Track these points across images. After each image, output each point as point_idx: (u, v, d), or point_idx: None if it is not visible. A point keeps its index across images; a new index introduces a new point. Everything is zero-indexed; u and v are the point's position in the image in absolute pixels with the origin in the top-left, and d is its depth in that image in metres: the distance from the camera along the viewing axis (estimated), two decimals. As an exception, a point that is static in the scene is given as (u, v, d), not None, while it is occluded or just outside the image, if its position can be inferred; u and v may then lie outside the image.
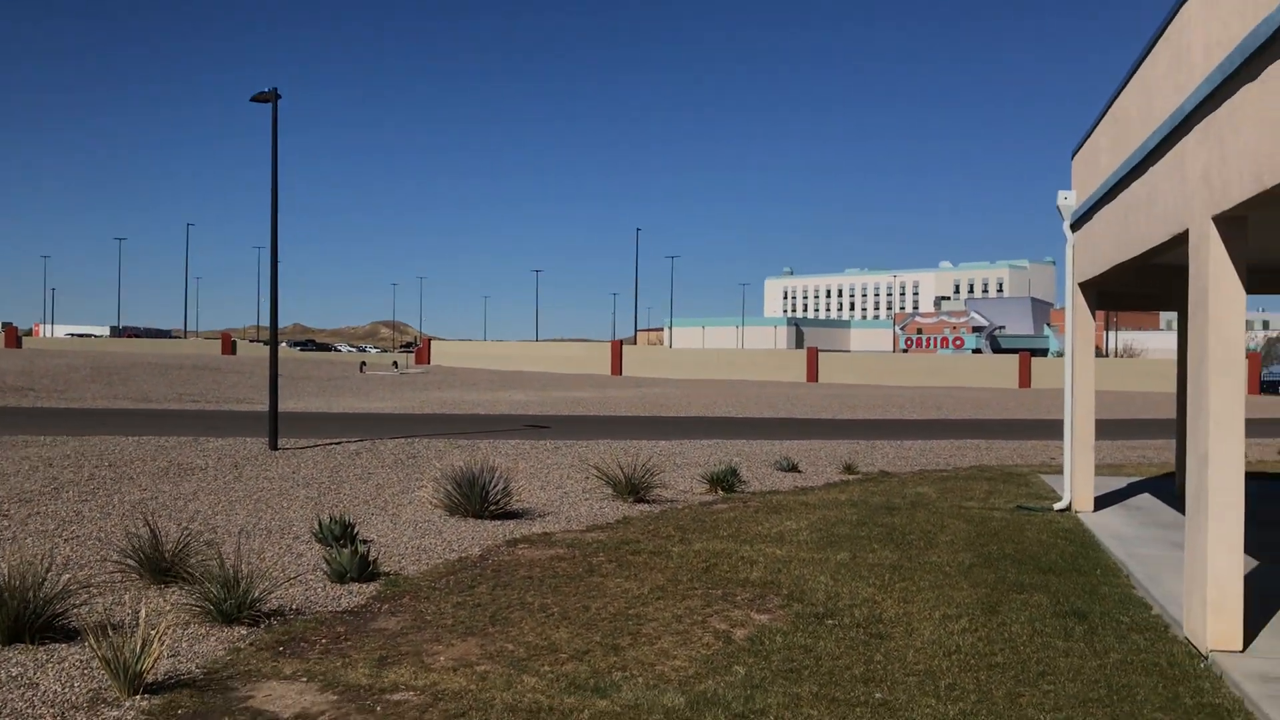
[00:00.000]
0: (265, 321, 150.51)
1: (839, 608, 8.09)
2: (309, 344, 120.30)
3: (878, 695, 6.04)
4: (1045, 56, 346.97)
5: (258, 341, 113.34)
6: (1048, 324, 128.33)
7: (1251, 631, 7.17)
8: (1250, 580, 7.75)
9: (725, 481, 14.65)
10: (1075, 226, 13.24)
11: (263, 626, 7.33)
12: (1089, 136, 12.56)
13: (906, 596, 8.52)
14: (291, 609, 7.85)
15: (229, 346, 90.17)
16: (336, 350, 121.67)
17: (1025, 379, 63.79)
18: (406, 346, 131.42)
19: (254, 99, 17.84)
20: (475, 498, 11.94)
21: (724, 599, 8.36)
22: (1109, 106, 11.09)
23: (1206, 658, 6.78)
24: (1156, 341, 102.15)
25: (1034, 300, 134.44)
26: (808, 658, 6.74)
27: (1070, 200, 13.44)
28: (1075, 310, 13.37)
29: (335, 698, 5.91)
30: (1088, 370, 13.35)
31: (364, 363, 78.07)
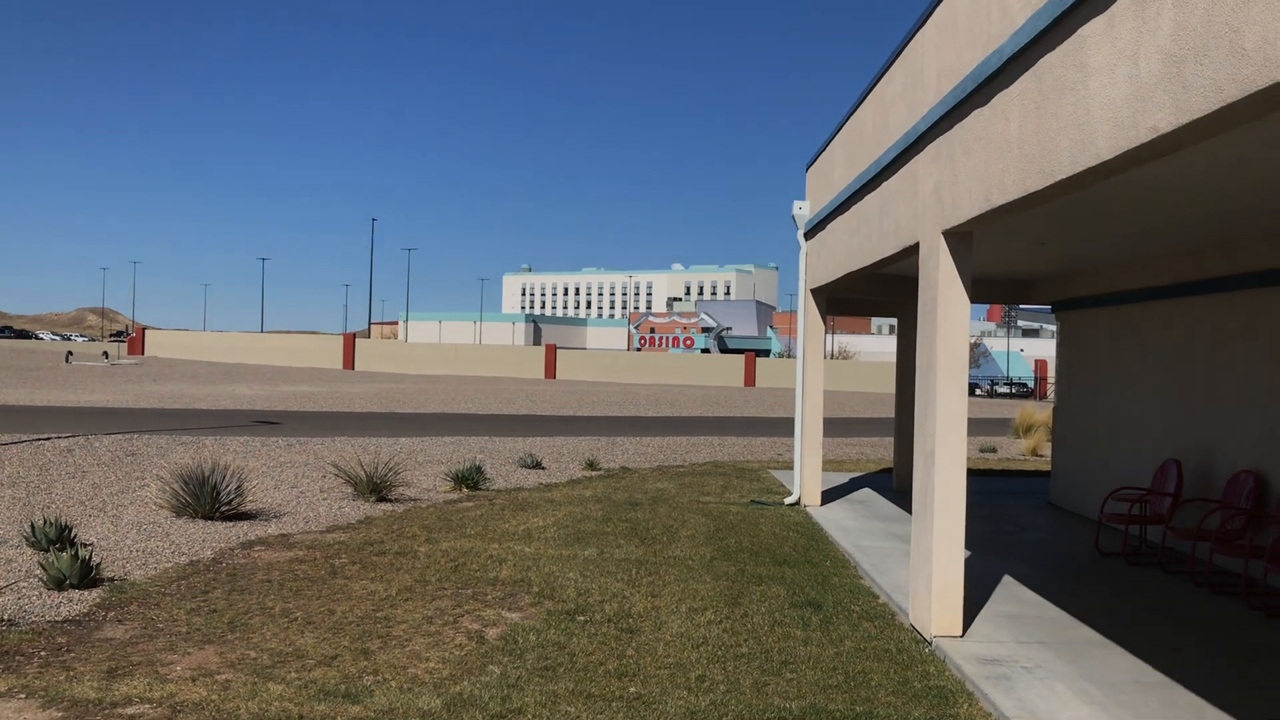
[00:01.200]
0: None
1: (589, 604, 8.17)
2: (6, 331, 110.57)
3: (632, 690, 6.13)
4: (772, 78, 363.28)
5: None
6: (770, 326, 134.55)
7: (970, 617, 7.76)
8: (965, 570, 8.39)
9: (470, 479, 14.51)
10: (809, 235, 13.91)
11: (-32, 641, 6.66)
12: (824, 150, 13.22)
13: (654, 591, 8.70)
14: (3, 619, 7.17)
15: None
16: (38, 338, 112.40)
17: (750, 378, 66.64)
18: (117, 335, 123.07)
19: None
20: (205, 498, 11.30)
21: (474, 598, 8.27)
22: (844, 122, 11.71)
23: (931, 643, 7.27)
24: (868, 344, 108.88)
25: (758, 304, 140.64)
26: (562, 655, 6.76)
27: (804, 210, 14.10)
28: (807, 315, 14.04)
29: (60, 714, 5.43)
30: (817, 372, 14.05)
31: (70, 352, 72.62)
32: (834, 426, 30.57)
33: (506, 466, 17.32)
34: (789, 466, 18.69)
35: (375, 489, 13.17)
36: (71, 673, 6.10)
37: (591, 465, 17.64)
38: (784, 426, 30.31)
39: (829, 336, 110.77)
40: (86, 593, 8.02)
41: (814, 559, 10.35)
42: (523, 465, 17.30)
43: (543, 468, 17.29)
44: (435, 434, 23.17)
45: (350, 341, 71.93)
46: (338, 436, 21.35)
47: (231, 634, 7.05)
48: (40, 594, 7.95)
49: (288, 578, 8.76)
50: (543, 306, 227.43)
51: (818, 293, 13.84)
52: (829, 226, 12.43)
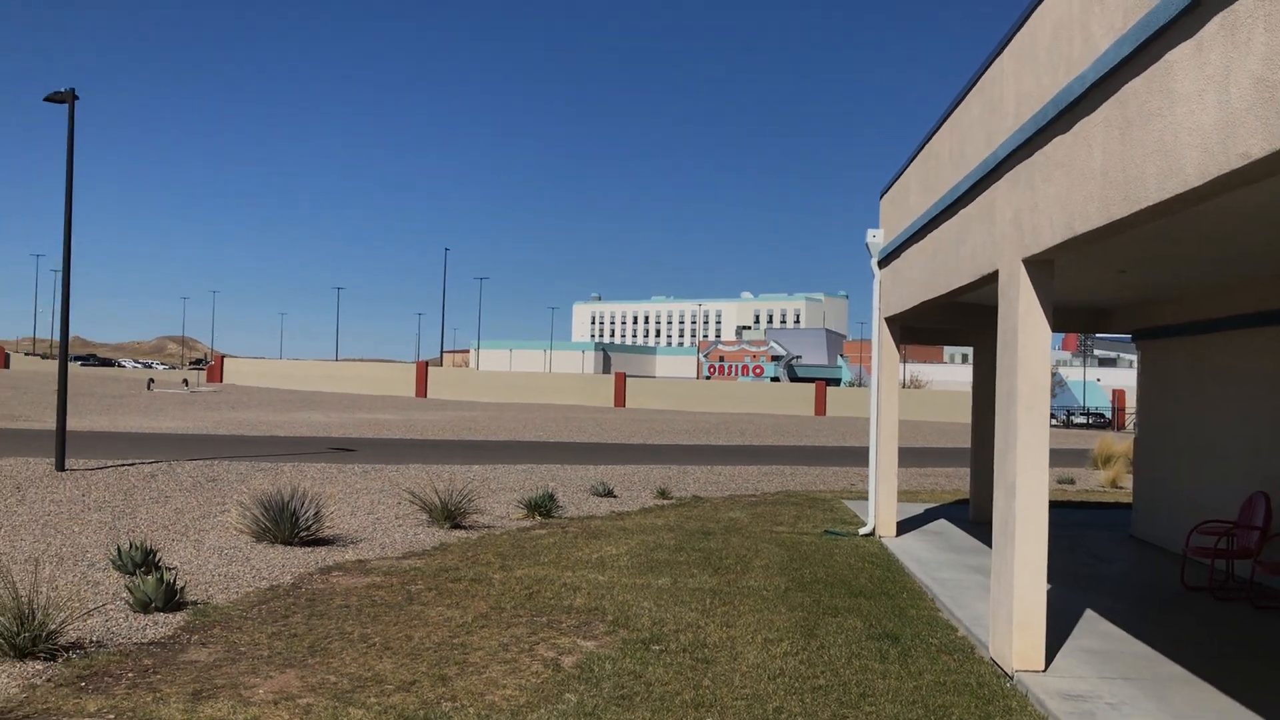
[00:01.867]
0: (43, 333, 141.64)
1: (664, 633, 8.15)
2: (91, 359, 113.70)
3: (709, 720, 6.10)
4: (845, 103, 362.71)
5: (34, 355, 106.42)
6: (841, 355, 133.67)
7: (1051, 651, 7.60)
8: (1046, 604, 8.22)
9: (542, 507, 14.58)
10: (883, 263, 13.82)
11: (61, 660, 6.83)
12: (899, 177, 13.16)
13: (728, 621, 8.65)
14: (92, 641, 7.35)
15: (2, 359, 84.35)
16: (121, 366, 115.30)
17: (821, 407, 66.15)
18: (197, 363, 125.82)
19: (49, 99, 16.77)
20: (285, 523, 11.49)
21: (549, 626, 8.30)
22: (920, 149, 11.64)
23: (1012, 677, 7.14)
24: (940, 373, 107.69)
25: (829, 332, 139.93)
26: (638, 684, 6.75)
27: (878, 238, 14.02)
28: (881, 343, 13.93)
29: (147, 737, 5.55)
30: (892, 401, 13.93)
31: (151, 380, 74.39)
32: (907, 456, 30.20)
33: (578, 494, 17.38)
34: (863, 497, 18.50)
35: (449, 516, 13.28)
36: (158, 694, 6.22)
37: (663, 494, 17.62)
38: (856, 456, 30.04)
39: (901, 365, 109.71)
40: (171, 616, 8.19)
41: (890, 591, 10.22)
42: (594, 493, 17.35)
43: (614, 496, 17.32)
44: (507, 461, 23.33)
45: (423, 369, 72.79)
46: (411, 463, 21.58)
47: (312, 658, 7.15)
48: (127, 616, 8.13)
49: (365, 603, 8.86)
50: (612, 335, 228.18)
51: (892, 321, 13.73)
52: (903, 255, 12.35)
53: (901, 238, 12.16)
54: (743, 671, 7.14)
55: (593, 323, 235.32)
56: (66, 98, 17.01)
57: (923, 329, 15.88)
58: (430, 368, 74.49)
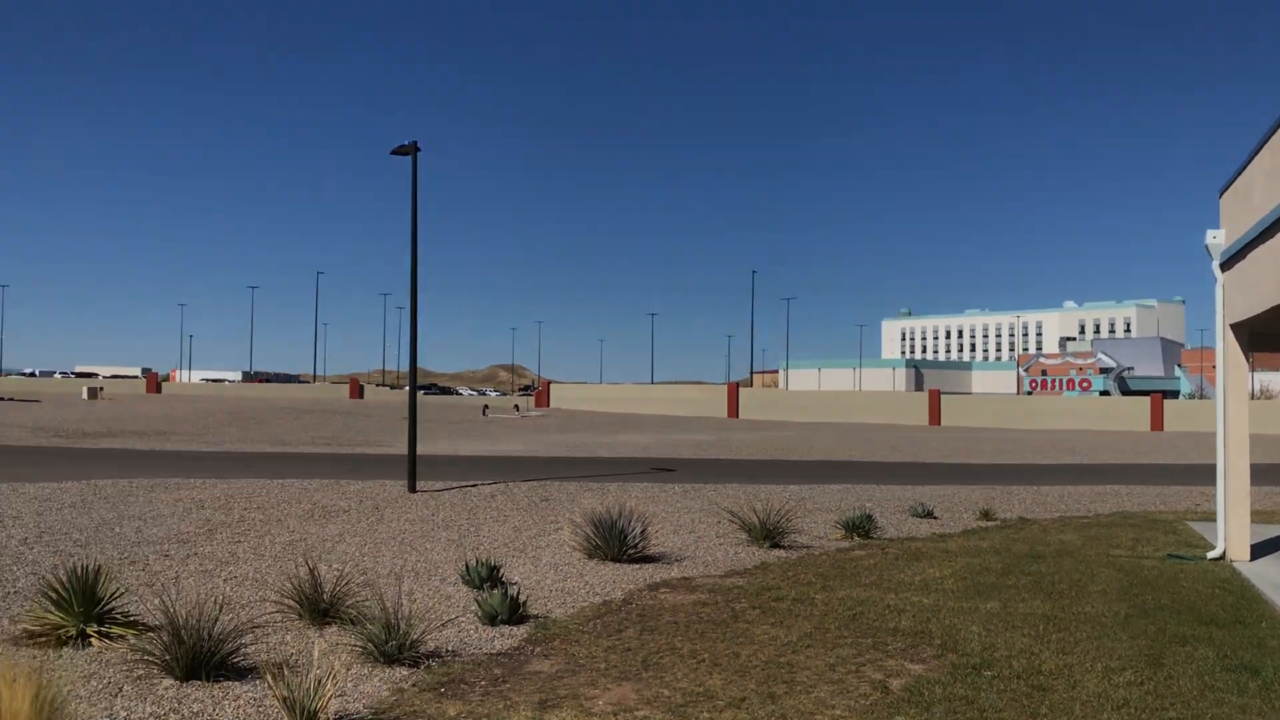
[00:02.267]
0: (391, 366, 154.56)
1: (996, 659, 7.92)
2: (431, 388, 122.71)
3: (1048, 750, 5.89)
4: (1175, 96, 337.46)
5: (384, 386, 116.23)
6: (1179, 365, 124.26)
7: None
8: None
9: (861, 527, 14.47)
10: (1225, 266, 12.84)
11: (423, 668, 7.48)
12: (1240, 173, 12.21)
13: (1064, 648, 8.29)
14: (448, 650, 8.00)
15: (356, 390, 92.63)
16: (458, 393, 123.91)
17: (1157, 422, 61.71)
18: (525, 389, 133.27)
19: (394, 152, 18.47)
20: (614, 541, 12.03)
21: (875, 648, 8.25)
22: (1264, 141, 10.77)
23: (1398, 719, 6.45)
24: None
25: (1164, 340, 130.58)
26: (970, 710, 6.60)
27: (1219, 239, 13.05)
28: (1226, 352, 12.94)
29: (502, 740, 5.99)
30: (1241, 413, 12.89)
31: (487, 405, 79.47)
32: (1260, 474, 27.64)
33: (896, 515, 17.11)
34: (1209, 518, 17.14)
35: (768, 535, 13.44)
36: (508, 702, 6.69)
37: (986, 515, 17.05)
38: (1200, 474, 27.83)
39: (1249, 374, 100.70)
40: (515, 628, 8.77)
41: (1245, 619, 9.45)
42: (913, 514, 17.02)
43: (934, 517, 16.92)
44: (821, 481, 23.28)
45: (734, 391, 73.84)
46: (729, 483, 21.96)
47: (645, 672, 7.46)
48: (476, 628, 8.78)
49: (693, 620, 9.14)
50: (923, 351, 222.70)
51: (1238, 328, 12.73)
52: (1250, 255, 11.43)
53: (1247, 237, 11.27)
54: (1083, 700, 6.84)
55: (903, 339, 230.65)
56: (410, 150, 18.63)
57: (1274, 335, 14.59)
58: (741, 389, 75.46)
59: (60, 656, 7.60)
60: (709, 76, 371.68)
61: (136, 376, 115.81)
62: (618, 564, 11.92)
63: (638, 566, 11.82)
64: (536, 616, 9.21)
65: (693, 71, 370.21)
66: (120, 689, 6.85)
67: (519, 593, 9.51)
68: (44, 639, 7.96)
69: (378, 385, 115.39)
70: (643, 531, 12.29)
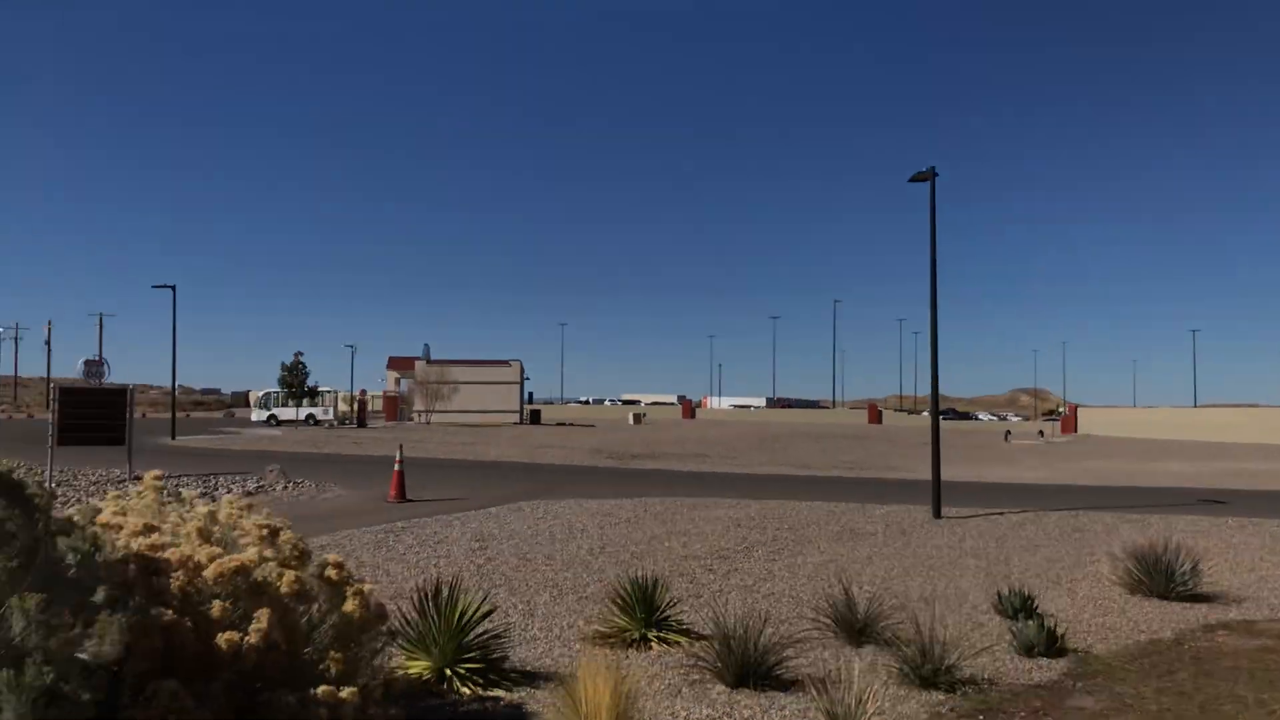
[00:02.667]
0: (909, 390, 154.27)
1: None
2: (949, 413, 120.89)
3: None
4: None
5: (901, 410, 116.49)
6: None
7: None
8: None
9: None
10: None
11: (959, 694, 7.50)
12: None
13: None
14: (983, 678, 7.95)
15: (875, 416, 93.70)
16: (976, 418, 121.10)
17: None
18: (1050, 414, 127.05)
19: (912, 179, 18.64)
20: (1160, 577, 11.23)
21: None
22: None
23: None
24: None
25: None
26: None
27: None
28: None
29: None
30: None
31: (1009, 431, 76.91)
32: None
33: None
34: None
35: (1349, 579, 11.86)
36: (1051, 734, 6.53)
37: None
38: None
39: None
40: (1054, 661, 8.51)
41: None
42: None
43: None
44: None
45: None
46: (1294, 518, 19.57)
47: (1201, 716, 6.94)
48: (1011, 658, 8.62)
49: (1258, 666, 8.34)
50: None
51: None
52: None
53: None
54: None
55: None
56: (928, 177, 18.70)
57: None
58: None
59: (626, 657, 8.52)
60: None
61: (672, 403, 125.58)
62: (1164, 601, 11.11)
63: (1186, 605, 10.94)
64: (1075, 650, 8.86)
65: None
66: (679, 690, 7.56)
67: (1055, 625, 9.21)
68: (612, 639, 8.95)
69: (895, 410, 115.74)
70: (1193, 568, 11.36)
